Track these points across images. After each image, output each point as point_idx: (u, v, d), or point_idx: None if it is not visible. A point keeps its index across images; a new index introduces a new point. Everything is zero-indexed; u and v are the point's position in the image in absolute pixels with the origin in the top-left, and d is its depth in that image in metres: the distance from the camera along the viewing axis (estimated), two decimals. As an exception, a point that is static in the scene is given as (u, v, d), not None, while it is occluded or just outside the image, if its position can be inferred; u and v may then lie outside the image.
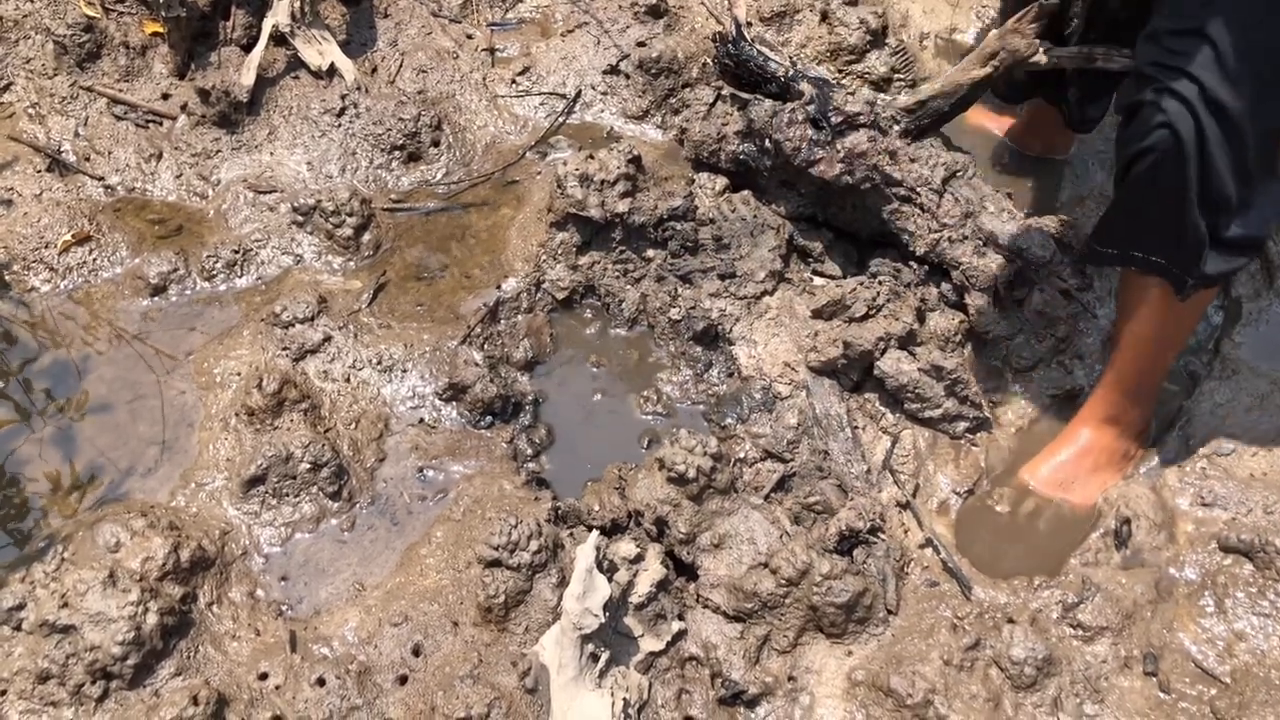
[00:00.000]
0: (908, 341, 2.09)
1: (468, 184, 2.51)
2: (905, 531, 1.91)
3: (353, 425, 2.05)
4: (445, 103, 2.62)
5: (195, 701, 1.61)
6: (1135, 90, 1.69)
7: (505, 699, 1.64)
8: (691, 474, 1.81)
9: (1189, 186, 1.63)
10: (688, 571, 1.84)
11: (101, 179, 2.45)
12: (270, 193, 2.42)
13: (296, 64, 2.60)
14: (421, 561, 1.86)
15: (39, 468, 2.01)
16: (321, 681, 1.68)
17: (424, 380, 2.11)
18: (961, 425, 2.07)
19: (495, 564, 1.74)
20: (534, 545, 1.74)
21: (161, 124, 2.53)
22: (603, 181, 2.29)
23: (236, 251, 2.31)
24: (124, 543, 1.78)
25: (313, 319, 2.16)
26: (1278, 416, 2.03)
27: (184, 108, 2.52)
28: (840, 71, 2.68)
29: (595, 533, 1.70)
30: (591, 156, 2.32)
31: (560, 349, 2.26)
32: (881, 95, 2.33)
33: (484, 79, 2.69)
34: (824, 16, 2.71)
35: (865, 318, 2.14)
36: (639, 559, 1.74)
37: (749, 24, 2.74)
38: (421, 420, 2.08)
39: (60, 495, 1.98)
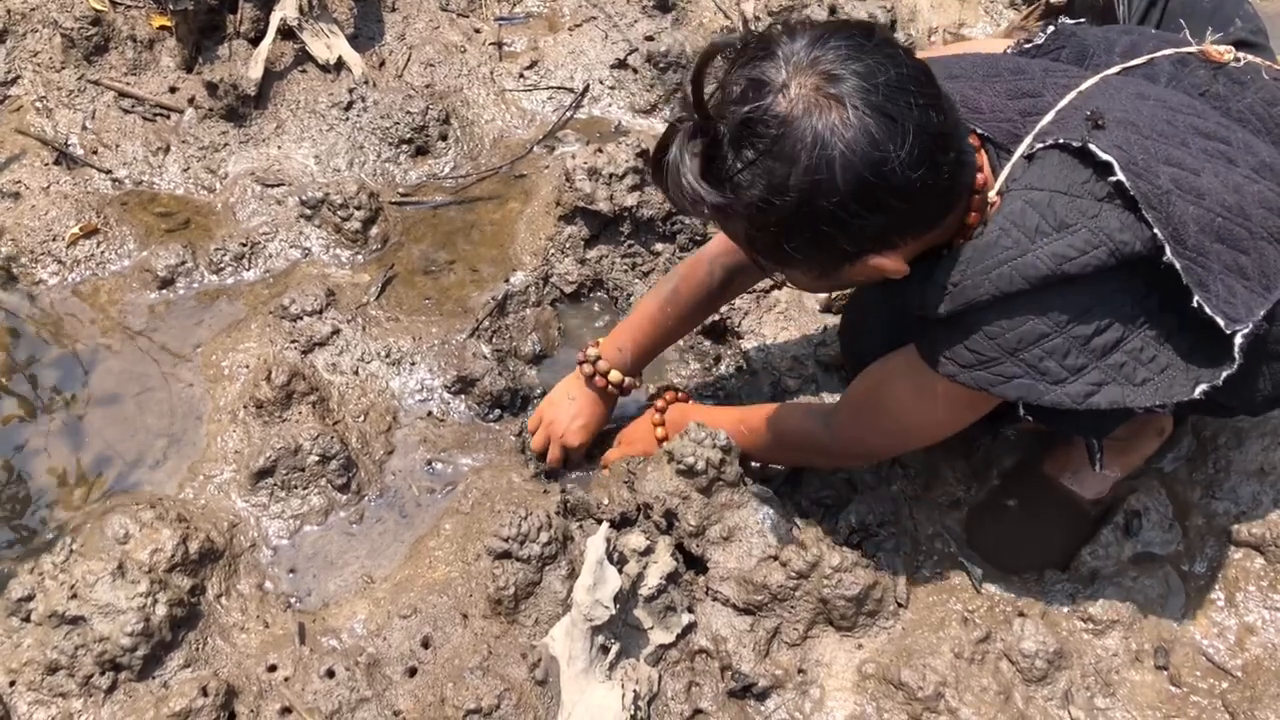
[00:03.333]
0: (917, 335, 2.09)
1: (475, 178, 2.51)
2: (916, 525, 1.90)
3: (361, 418, 2.05)
4: (453, 97, 2.62)
5: (204, 693, 1.61)
6: None
7: (515, 691, 1.63)
8: (701, 466, 1.80)
9: None
10: (697, 565, 1.83)
11: (109, 172, 2.45)
12: (278, 186, 2.41)
13: (304, 58, 2.59)
14: (430, 554, 1.86)
15: (47, 460, 2.01)
16: (331, 673, 1.68)
17: (432, 373, 2.11)
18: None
19: (505, 556, 1.74)
20: (544, 537, 1.74)
21: (169, 117, 2.53)
22: (611, 175, 2.29)
23: (244, 244, 2.31)
24: (133, 534, 1.78)
25: (321, 312, 2.16)
26: (1288, 411, 2.03)
27: (191, 101, 2.52)
28: (848, 66, 2.67)
29: (605, 524, 1.69)
30: (600, 150, 2.32)
31: (568, 342, 2.26)
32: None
33: (491, 73, 2.69)
34: (832, 10, 2.71)
35: (874, 311, 2.14)
36: (649, 551, 1.74)
37: (756, 18, 2.74)
38: (430, 413, 2.08)
39: (68, 487, 1.98)
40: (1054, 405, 1.41)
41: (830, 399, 2.05)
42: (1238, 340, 1.36)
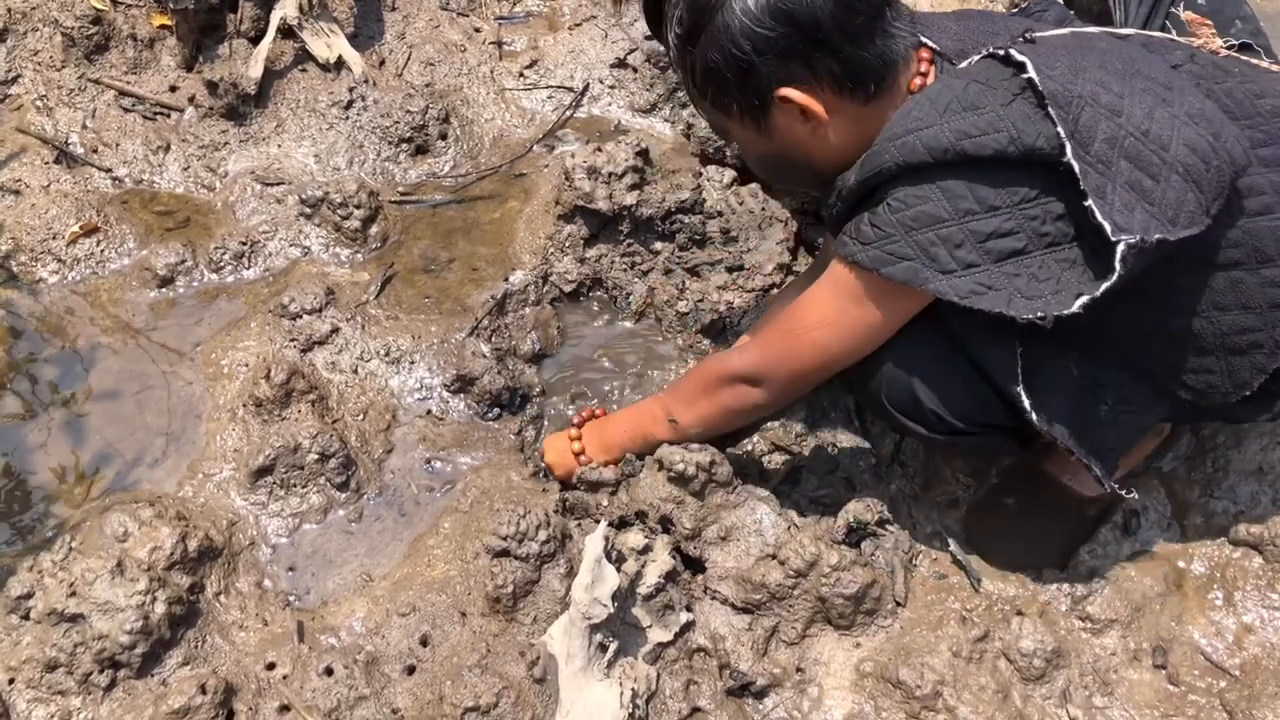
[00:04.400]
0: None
1: (475, 177, 2.51)
2: (914, 524, 1.90)
3: (360, 416, 2.05)
4: (453, 96, 2.62)
5: (203, 691, 1.62)
6: None
7: (513, 689, 1.63)
8: (691, 471, 1.79)
9: None
10: (695, 565, 1.84)
11: (109, 171, 2.46)
12: (278, 185, 2.42)
13: (304, 57, 2.59)
14: (429, 552, 1.86)
15: (47, 458, 2.02)
16: (329, 671, 1.68)
17: (431, 372, 2.11)
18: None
19: (503, 554, 1.74)
20: (542, 535, 1.74)
21: (169, 116, 2.53)
22: (610, 174, 2.29)
23: (244, 243, 2.31)
24: (132, 532, 1.78)
25: (320, 310, 2.16)
26: (1287, 410, 2.02)
27: (192, 100, 2.52)
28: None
29: (604, 523, 1.70)
30: (599, 149, 2.32)
31: (567, 341, 2.26)
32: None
33: (491, 72, 2.69)
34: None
35: (873, 310, 2.13)
36: (647, 550, 1.74)
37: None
38: (429, 412, 2.08)
39: (68, 485, 1.98)
40: (937, 294, 1.44)
41: (831, 395, 2.05)
42: (1120, 249, 1.34)
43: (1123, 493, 1.68)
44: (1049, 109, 1.36)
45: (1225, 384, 1.57)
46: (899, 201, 1.45)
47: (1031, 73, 1.38)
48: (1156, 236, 1.35)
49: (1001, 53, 1.44)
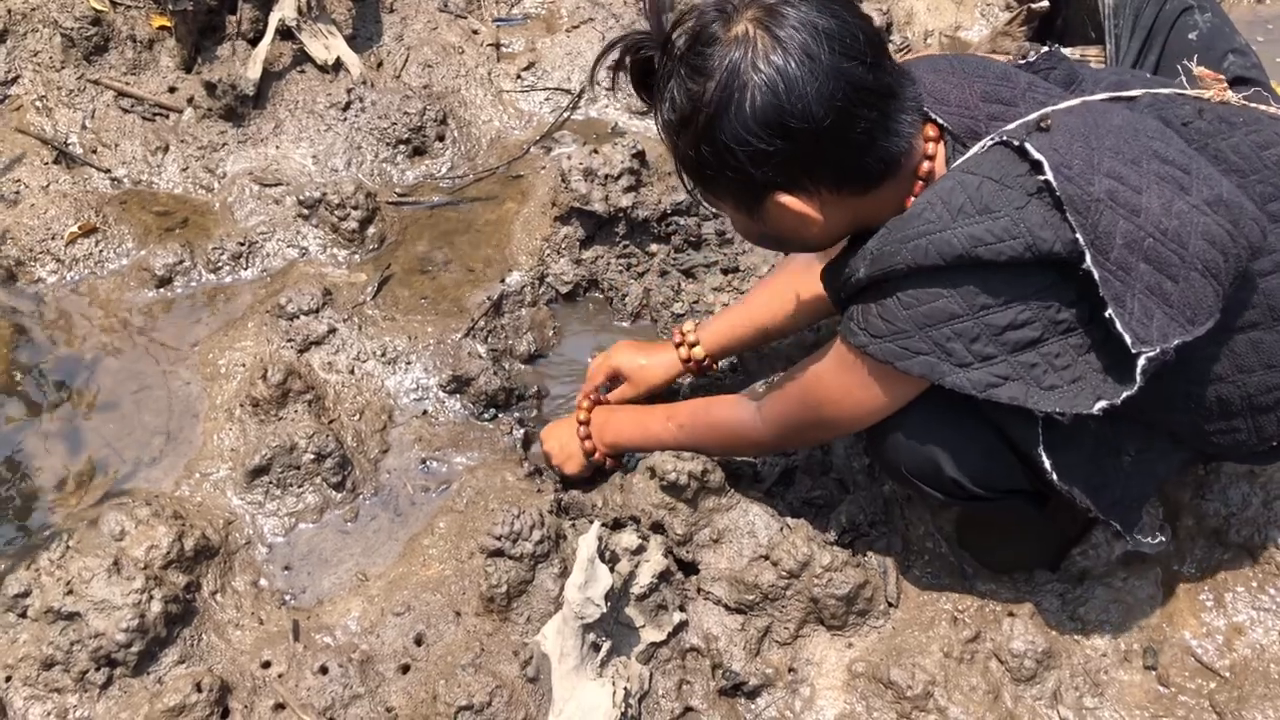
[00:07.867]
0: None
1: (472, 178, 2.52)
2: (907, 525, 1.91)
3: (357, 416, 2.06)
4: (450, 97, 2.63)
5: (198, 689, 1.63)
6: None
7: (507, 688, 1.64)
8: (683, 480, 1.79)
9: None
10: (689, 567, 1.84)
11: (108, 171, 2.47)
12: (276, 186, 2.43)
13: (302, 58, 2.61)
14: (424, 552, 1.87)
15: (45, 457, 2.03)
16: (324, 670, 1.69)
17: (428, 372, 2.12)
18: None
19: (498, 554, 1.75)
20: (536, 535, 1.75)
21: (168, 117, 2.54)
22: (607, 176, 2.30)
23: (242, 244, 2.32)
24: (129, 531, 1.79)
25: (317, 311, 2.17)
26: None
27: (190, 101, 2.53)
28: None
29: (597, 523, 1.71)
30: (596, 151, 2.33)
31: (563, 342, 2.27)
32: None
33: (489, 74, 2.70)
34: (828, 13, 2.72)
35: (868, 312, 2.14)
36: (640, 550, 1.75)
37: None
38: (425, 412, 2.09)
39: (66, 484, 1.99)
40: (954, 389, 1.41)
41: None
42: (1140, 362, 1.34)
43: (1149, 540, 1.66)
44: (1067, 214, 1.34)
45: (1251, 439, 1.57)
46: (911, 298, 1.41)
47: (1049, 174, 1.34)
48: (1176, 342, 1.35)
49: (1016, 144, 1.39)
